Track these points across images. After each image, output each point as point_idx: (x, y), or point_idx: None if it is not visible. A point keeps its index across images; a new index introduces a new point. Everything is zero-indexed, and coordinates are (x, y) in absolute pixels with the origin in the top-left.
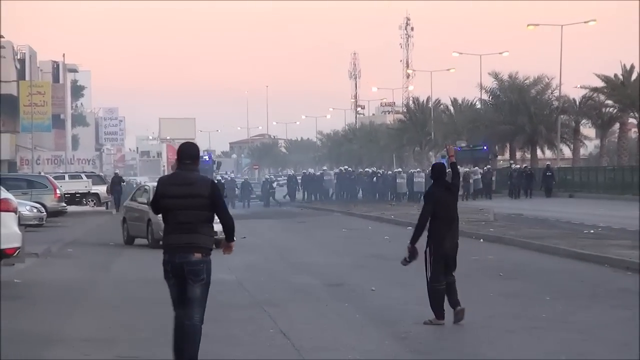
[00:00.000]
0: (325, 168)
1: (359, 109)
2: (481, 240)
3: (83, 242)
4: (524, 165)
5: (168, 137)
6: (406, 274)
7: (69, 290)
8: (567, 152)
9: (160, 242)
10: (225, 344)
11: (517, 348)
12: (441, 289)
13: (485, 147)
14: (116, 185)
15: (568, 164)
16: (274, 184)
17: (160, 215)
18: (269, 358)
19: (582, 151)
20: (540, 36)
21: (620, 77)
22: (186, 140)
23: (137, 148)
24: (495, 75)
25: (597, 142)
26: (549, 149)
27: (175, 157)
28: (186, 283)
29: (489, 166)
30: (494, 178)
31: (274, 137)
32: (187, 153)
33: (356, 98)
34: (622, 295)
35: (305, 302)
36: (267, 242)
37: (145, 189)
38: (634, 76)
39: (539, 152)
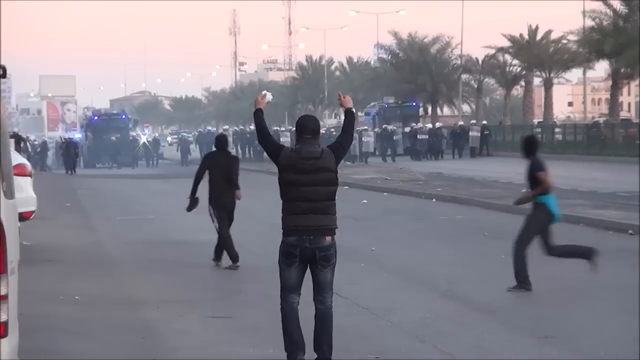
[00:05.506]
0: (226, 127)
1: (240, 66)
2: (433, 200)
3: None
4: (457, 124)
5: (49, 95)
6: (388, 233)
7: (84, 252)
8: (466, 109)
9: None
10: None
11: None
12: (228, 235)
13: (414, 103)
14: (16, 145)
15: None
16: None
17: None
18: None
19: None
20: None
21: (526, 36)
22: (304, 115)
23: (17, 105)
24: (395, 34)
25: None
26: (449, 107)
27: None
28: (316, 268)
29: (439, 123)
30: (445, 136)
31: (154, 94)
32: (308, 127)
33: (236, 55)
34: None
35: None
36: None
37: None
38: (539, 36)
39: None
